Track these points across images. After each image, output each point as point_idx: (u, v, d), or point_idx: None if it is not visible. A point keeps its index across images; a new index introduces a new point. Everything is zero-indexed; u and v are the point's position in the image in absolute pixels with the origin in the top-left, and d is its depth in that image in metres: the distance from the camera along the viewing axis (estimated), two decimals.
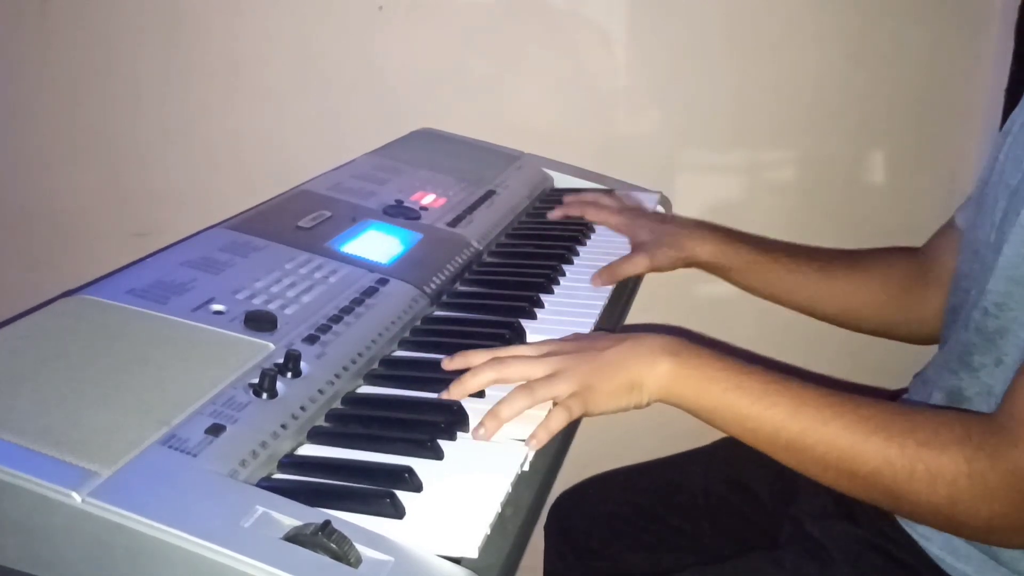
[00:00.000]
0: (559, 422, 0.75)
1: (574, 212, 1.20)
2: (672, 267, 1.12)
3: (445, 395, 0.78)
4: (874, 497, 0.76)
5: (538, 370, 0.78)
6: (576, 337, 0.87)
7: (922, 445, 0.71)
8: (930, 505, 0.72)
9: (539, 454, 0.73)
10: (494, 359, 0.80)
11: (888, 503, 0.77)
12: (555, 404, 0.77)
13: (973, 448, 0.71)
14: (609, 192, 1.29)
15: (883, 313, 1.08)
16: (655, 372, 0.78)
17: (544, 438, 0.74)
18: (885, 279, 1.08)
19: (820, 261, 1.11)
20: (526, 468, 0.71)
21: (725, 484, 1.12)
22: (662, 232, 1.13)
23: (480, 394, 0.79)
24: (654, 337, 0.81)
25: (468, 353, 0.81)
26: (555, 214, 1.22)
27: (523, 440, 0.73)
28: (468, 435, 0.73)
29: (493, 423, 0.74)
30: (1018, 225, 0.79)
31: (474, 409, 0.76)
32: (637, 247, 1.13)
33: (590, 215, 1.20)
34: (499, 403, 0.75)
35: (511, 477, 0.68)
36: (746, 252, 1.11)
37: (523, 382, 0.78)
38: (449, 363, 0.81)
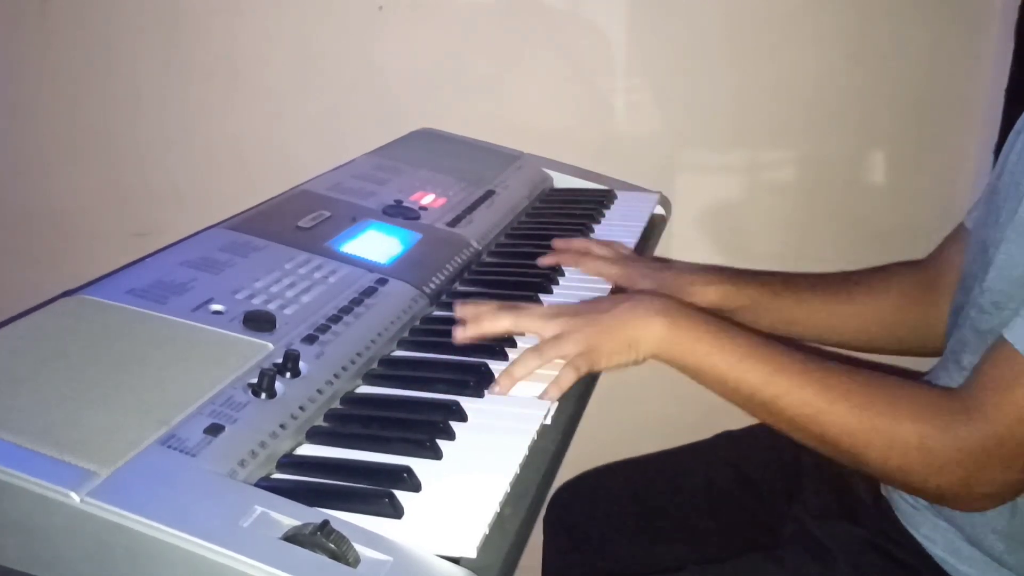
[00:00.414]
0: (569, 379, 0.82)
1: (567, 261, 1.10)
2: None
3: (460, 332, 0.86)
4: (838, 457, 0.82)
5: (548, 329, 0.86)
6: (582, 302, 0.93)
7: (880, 416, 0.77)
8: (885, 471, 0.80)
9: (538, 453, 0.73)
10: (512, 308, 0.88)
11: (851, 465, 0.83)
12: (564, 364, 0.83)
13: (927, 423, 0.76)
14: (596, 241, 1.18)
15: (894, 331, 1.07)
16: (649, 331, 0.85)
17: (556, 393, 0.80)
18: (892, 298, 1.07)
19: (824, 289, 1.10)
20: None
21: (725, 478, 1.12)
22: (662, 280, 1.09)
23: (479, 393, 0.79)
24: (651, 299, 0.89)
25: (480, 303, 0.89)
26: (547, 260, 1.09)
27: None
28: (467, 435, 0.73)
29: (507, 381, 0.81)
30: (1016, 222, 0.79)
31: (473, 408, 0.76)
32: None
33: (586, 267, 1.11)
34: (512, 363, 0.82)
35: (510, 477, 0.68)
36: (750, 291, 1.10)
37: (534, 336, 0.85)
38: (462, 309, 0.88)
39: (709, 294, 1.09)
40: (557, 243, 1.14)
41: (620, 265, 1.11)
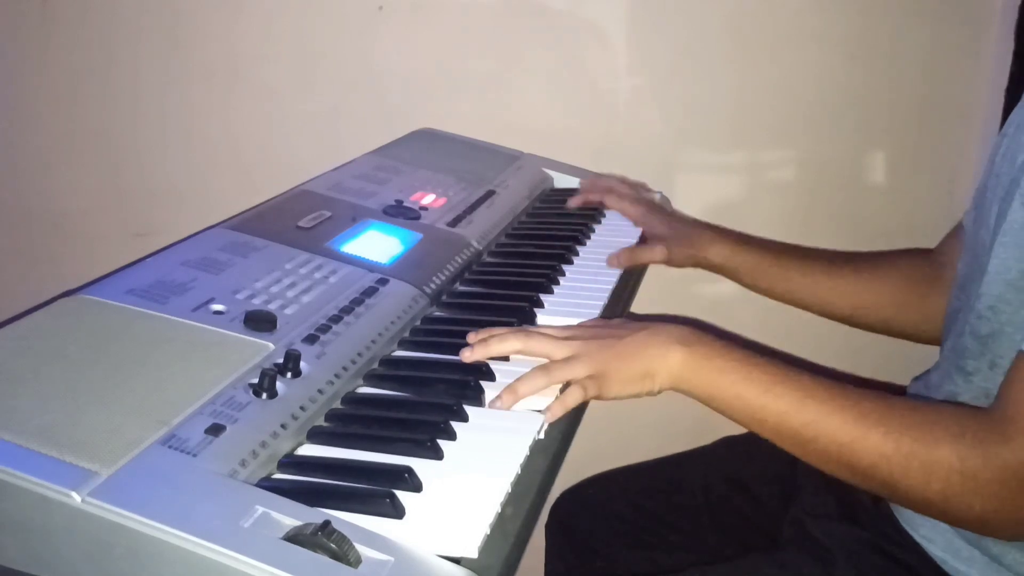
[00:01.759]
0: (574, 399, 0.79)
1: (594, 198, 1.21)
2: (683, 265, 1.17)
3: (467, 353, 0.83)
4: (872, 488, 0.79)
5: (559, 351, 0.83)
6: (597, 323, 0.90)
7: (917, 441, 0.74)
8: (924, 499, 0.75)
9: (539, 453, 0.73)
10: (522, 331, 0.85)
11: (886, 494, 0.80)
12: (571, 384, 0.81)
13: (966, 445, 0.72)
14: (624, 179, 1.32)
15: (893, 314, 1.09)
16: (668, 362, 0.82)
17: (559, 412, 0.78)
18: (895, 281, 1.09)
19: (829, 263, 1.14)
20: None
21: (725, 483, 1.12)
22: (677, 229, 1.18)
23: (479, 401, 0.79)
24: (670, 327, 0.84)
25: (493, 329, 0.86)
26: (575, 201, 1.22)
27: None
28: (468, 435, 0.73)
29: (510, 396, 0.78)
30: (1007, 225, 0.79)
31: (474, 409, 0.76)
32: (653, 240, 1.17)
33: (609, 202, 1.22)
34: (518, 379, 0.79)
35: (511, 477, 0.68)
36: (755, 255, 1.15)
37: (543, 360, 0.82)
38: (475, 336, 0.85)
39: (716, 250, 1.15)
40: (585, 182, 1.24)
41: (640, 206, 1.21)
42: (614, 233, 1.20)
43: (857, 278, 1.11)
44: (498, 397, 0.78)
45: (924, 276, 1.07)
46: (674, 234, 1.17)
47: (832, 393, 0.78)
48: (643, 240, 1.19)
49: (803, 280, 1.13)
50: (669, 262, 1.15)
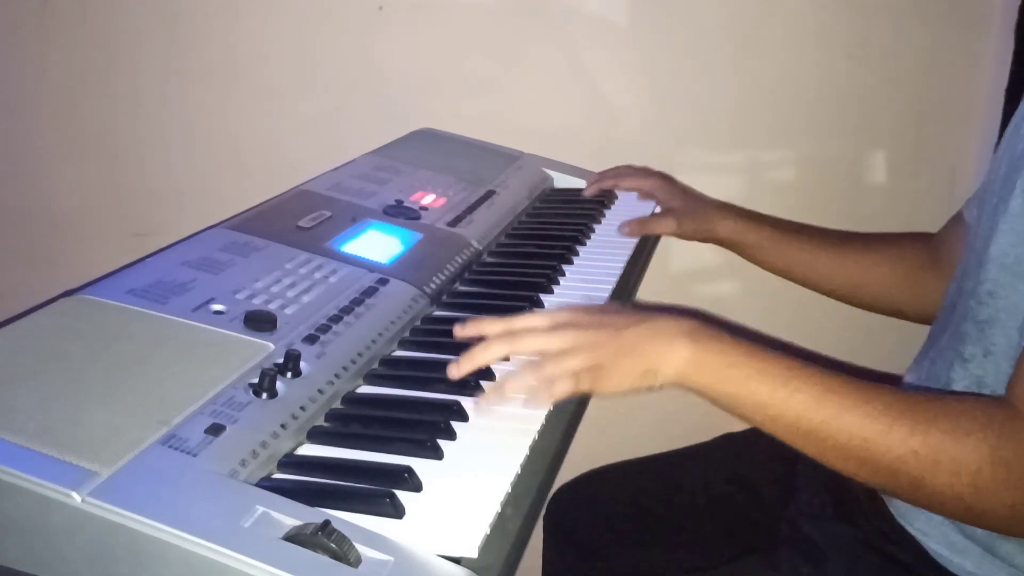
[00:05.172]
0: (564, 389, 0.75)
1: (608, 185, 1.27)
2: (692, 238, 1.22)
3: (454, 368, 0.77)
4: (895, 486, 0.75)
5: (552, 344, 0.76)
6: (592, 308, 0.84)
7: (945, 433, 0.70)
8: (953, 494, 0.71)
9: (539, 453, 0.73)
10: (507, 332, 0.78)
11: (909, 493, 0.75)
12: None
13: (996, 435, 0.70)
14: (629, 166, 1.37)
15: (892, 295, 1.12)
16: (673, 357, 0.75)
17: (547, 400, 0.74)
18: (895, 263, 1.12)
19: (833, 241, 1.18)
20: (523, 461, 0.71)
21: (724, 481, 1.12)
22: (690, 203, 1.26)
23: (481, 386, 0.79)
24: (674, 319, 0.78)
25: (482, 321, 0.80)
26: (590, 191, 1.26)
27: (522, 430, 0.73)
28: (468, 435, 0.73)
29: (496, 394, 0.75)
30: (1007, 213, 0.80)
31: (473, 411, 0.76)
32: (666, 212, 1.25)
33: (624, 184, 1.28)
34: (507, 376, 0.75)
35: (511, 477, 0.68)
36: (761, 232, 1.20)
37: (535, 356, 0.77)
38: (462, 331, 0.80)
39: (725, 227, 1.21)
40: (598, 174, 1.29)
41: (655, 180, 1.28)
42: (615, 234, 1.20)
43: (860, 259, 1.14)
44: (483, 397, 0.75)
45: (921, 258, 1.09)
46: (685, 208, 1.23)
47: (852, 387, 0.73)
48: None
49: (804, 257, 1.17)
50: (679, 234, 1.21)
